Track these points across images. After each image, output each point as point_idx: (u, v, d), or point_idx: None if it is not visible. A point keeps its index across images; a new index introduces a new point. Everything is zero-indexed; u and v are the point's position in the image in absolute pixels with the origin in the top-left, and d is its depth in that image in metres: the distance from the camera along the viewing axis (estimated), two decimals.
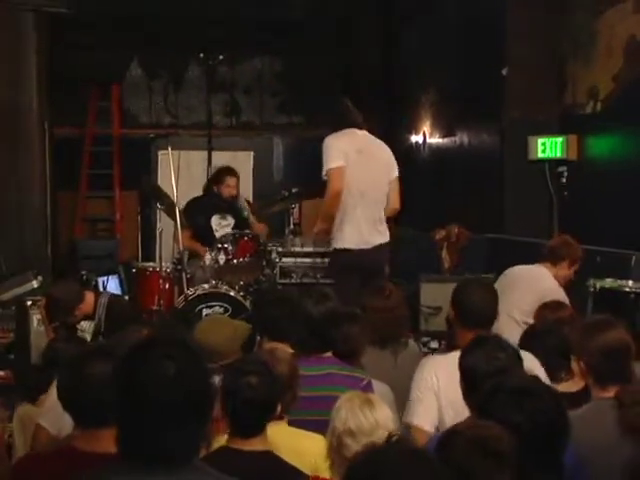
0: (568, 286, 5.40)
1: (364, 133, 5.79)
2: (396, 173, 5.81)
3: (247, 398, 2.81)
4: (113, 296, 5.87)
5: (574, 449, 2.66)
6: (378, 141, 5.90)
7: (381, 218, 5.73)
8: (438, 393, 3.46)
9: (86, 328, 5.37)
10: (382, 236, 5.72)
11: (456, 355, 3.41)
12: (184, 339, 2.08)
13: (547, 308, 4.51)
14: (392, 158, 5.84)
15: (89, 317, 5.43)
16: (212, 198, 7.33)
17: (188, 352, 2.01)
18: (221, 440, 2.94)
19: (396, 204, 5.85)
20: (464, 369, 3.06)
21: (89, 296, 5.47)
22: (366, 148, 5.69)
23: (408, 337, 4.50)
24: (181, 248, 6.69)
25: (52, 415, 3.37)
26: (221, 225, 7.19)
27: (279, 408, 2.97)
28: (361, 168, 5.59)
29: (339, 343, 3.77)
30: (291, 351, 3.81)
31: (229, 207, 7.25)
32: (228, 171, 7.42)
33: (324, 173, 5.59)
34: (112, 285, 7.99)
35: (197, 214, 7.17)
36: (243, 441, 2.84)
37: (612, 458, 2.74)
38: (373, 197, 5.67)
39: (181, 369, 1.96)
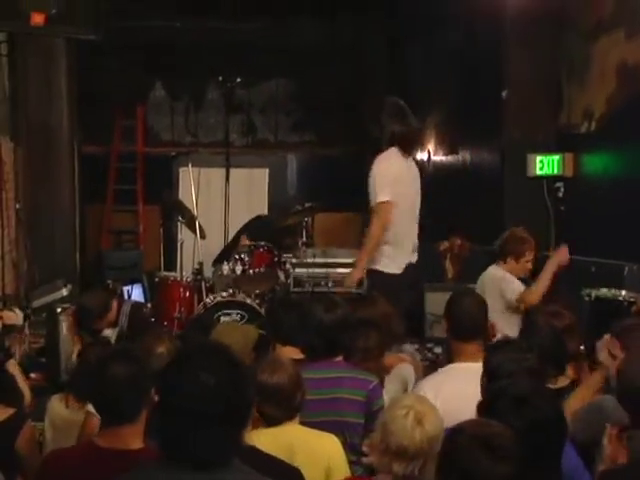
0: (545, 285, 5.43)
1: (409, 159, 5.50)
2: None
3: None
4: (135, 304, 5.87)
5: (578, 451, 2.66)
6: (417, 168, 5.67)
7: (416, 240, 5.56)
8: None
9: (110, 335, 5.38)
10: (416, 255, 5.55)
11: (453, 374, 3.40)
12: (223, 350, 2.06)
13: (554, 316, 4.49)
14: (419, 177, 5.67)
15: (113, 324, 5.44)
16: (274, 232, 7.34)
17: (227, 362, 2.00)
18: None
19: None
20: (490, 370, 3.01)
21: (114, 305, 5.49)
22: (407, 175, 5.43)
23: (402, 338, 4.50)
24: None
25: None
26: None
27: (254, 409, 2.92)
28: (402, 195, 5.33)
29: (349, 348, 3.77)
30: (301, 356, 3.81)
31: (282, 246, 7.27)
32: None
33: (374, 202, 5.29)
34: (136, 293, 8.01)
35: (257, 232, 7.23)
36: None
37: None
38: (413, 223, 5.50)
39: (221, 381, 1.95)
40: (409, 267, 5.41)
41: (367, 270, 5.36)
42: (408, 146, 5.41)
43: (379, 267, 5.32)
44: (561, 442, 2.49)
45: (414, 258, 5.48)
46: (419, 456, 2.60)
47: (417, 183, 5.56)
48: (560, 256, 5.44)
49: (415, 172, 5.56)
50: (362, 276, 5.43)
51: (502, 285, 5.35)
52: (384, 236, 5.27)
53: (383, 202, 5.21)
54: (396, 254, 5.34)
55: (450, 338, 3.70)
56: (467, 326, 3.64)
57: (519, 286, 5.39)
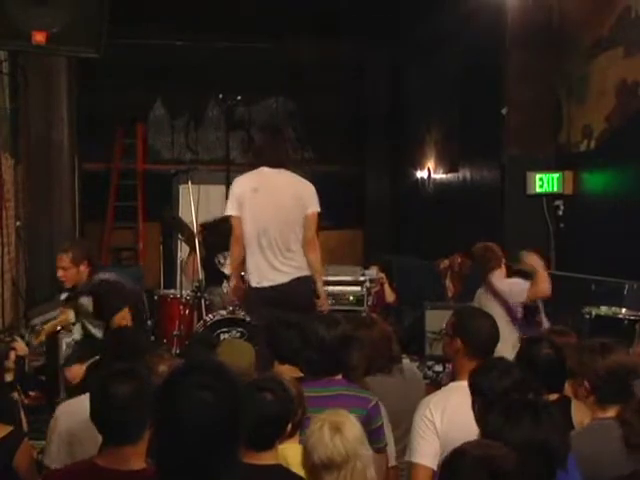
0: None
1: (272, 171, 5.27)
2: (312, 209, 5.29)
3: (261, 413, 2.75)
4: (115, 280, 5.44)
5: (579, 468, 2.64)
6: (290, 179, 5.35)
7: (289, 254, 5.25)
8: (439, 433, 3.34)
9: (86, 303, 5.25)
10: (293, 270, 5.23)
11: (457, 391, 3.39)
12: (220, 366, 2.06)
13: (555, 333, 4.52)
14: (305, 194, 5.30)
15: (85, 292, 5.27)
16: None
17: (224, 379, 1.99)
18: None
19: (307, 239, 5.27)
20: (477, 391, 3.00)
21: (82, 267, 5.27)
22: (264, 186, 5.22)
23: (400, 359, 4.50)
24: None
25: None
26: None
27: (289, 427, 2.95)
28: (257, 208, 5.19)
29: (350, 365, 3.76)
30: (300, 374, 3.80)
31: None
32: None
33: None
34: None
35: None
36: (255, 455, 2.79)
37: (615, 474, 2.71)
38: (277, 235, 5.22)
39: (219, 397, 1.94)
40: (278, 286, 5.21)
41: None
42: (268, 162, 5.31)
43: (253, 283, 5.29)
44: (551, 461, 2.48)
45: (282, 278, 5.21)
46: (346, 462, 2.63)
47: (284, 199, 5.26)
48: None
49: (282, 189, 5.28)
50: (237, 286, 5.40)
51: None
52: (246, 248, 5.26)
53: (229, 216, 5.28)
54: (253, 268, 5.24)
55: (461, 355, 3.67)
56: (481, 343, 3.64)
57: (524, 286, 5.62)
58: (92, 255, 5.55)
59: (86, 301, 5.26)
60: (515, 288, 5.65)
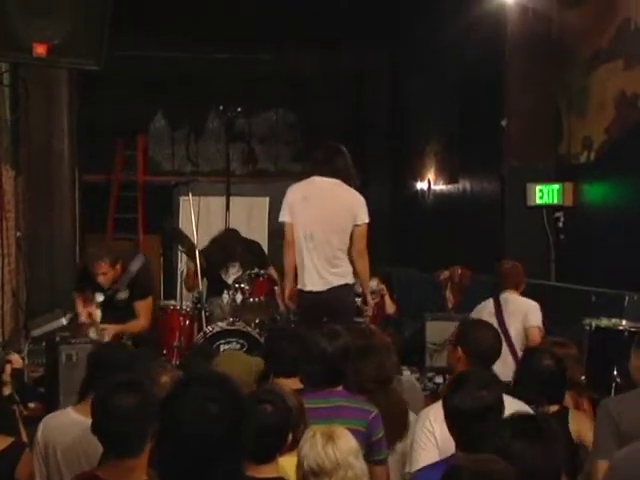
0: None
1: (323, 180, 5.52)
2: (363, 220, 5.47)
3: (261, 425, 2.75)
4: (144, 264, 6.08)
5: None
6: (340, 188, 5.53)
7: (335, 261, 5.44)
8: (439, 444, 3.34)
9: (123, 297, 5.86)
10: (337, 278, 5.44)
11: None
12: (225, 378, 2.06)
13: (556, 344, 4.52)
14: (355, 205, 5.50)
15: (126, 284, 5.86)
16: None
17: (229, 391, 1.99)
18: None
19: (357, 249, 5.45)
20: (449, 408, 2.98)
21: (118, 267, 5.79)
22: (314, 194, 5.47)
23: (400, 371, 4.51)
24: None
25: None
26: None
27: (290, 438, 2.95)
28: (306, 214, 5.43)
29: (351, 377, 3.77)
30: (300, 386, 3.80)
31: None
32: None
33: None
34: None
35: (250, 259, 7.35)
36: (255, 468, 2.78)
37: None
38: (323, 241, 5.42)
39: (223, 409, 1.94)
40: (319, 292, 5.41)
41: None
42: (320, 173, 5.58)
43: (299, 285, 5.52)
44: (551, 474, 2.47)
45: (322, 285, 5.41)
46: (337, 470, 2.65)
47: (332, 207, 5.46)
48: None
49: (332, 197, 5.49)
50: (293, 291, 5.57)
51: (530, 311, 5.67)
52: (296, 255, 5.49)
53: (281, 222, 5.60)
54: (300, 272, 5.48)
55: (462, 364, 3.67)
56: (482, 353, 3.65)
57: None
58: (122, 254, 6.06)
59: (122, 295, 5.90)
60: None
